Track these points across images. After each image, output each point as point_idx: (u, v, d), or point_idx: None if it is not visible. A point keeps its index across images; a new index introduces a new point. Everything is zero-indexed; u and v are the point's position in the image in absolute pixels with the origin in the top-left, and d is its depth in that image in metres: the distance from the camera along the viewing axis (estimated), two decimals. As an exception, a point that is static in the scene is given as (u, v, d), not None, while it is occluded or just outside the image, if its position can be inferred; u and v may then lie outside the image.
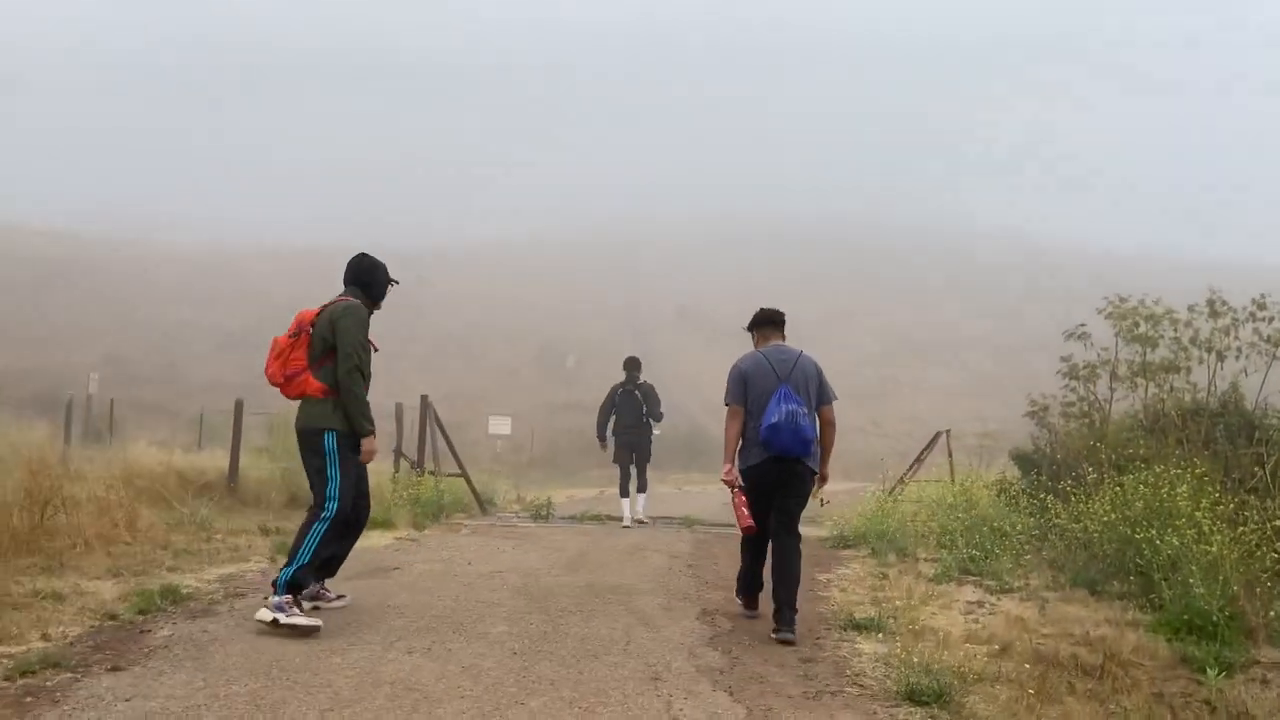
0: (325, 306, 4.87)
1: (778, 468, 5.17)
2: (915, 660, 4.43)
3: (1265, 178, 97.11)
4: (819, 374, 5.41)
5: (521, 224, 75.62)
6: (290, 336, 4.74)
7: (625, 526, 10.43)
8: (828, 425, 5.43)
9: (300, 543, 4.63)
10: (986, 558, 7.59)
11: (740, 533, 5.46)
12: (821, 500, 5.73)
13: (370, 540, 7.97)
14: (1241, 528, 5.67)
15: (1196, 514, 5.82)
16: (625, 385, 10.71)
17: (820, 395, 5.37)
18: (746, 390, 5.29)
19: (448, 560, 6.88)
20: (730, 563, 7.36)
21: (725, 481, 5.33)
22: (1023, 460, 11.49)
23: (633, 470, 10.90)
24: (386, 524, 8.89)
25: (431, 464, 13.12)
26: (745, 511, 5.33)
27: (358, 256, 5.17)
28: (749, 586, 5.59)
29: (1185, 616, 5.22)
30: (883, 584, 6.89)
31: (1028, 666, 4.39)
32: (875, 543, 8.87)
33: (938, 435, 12.38)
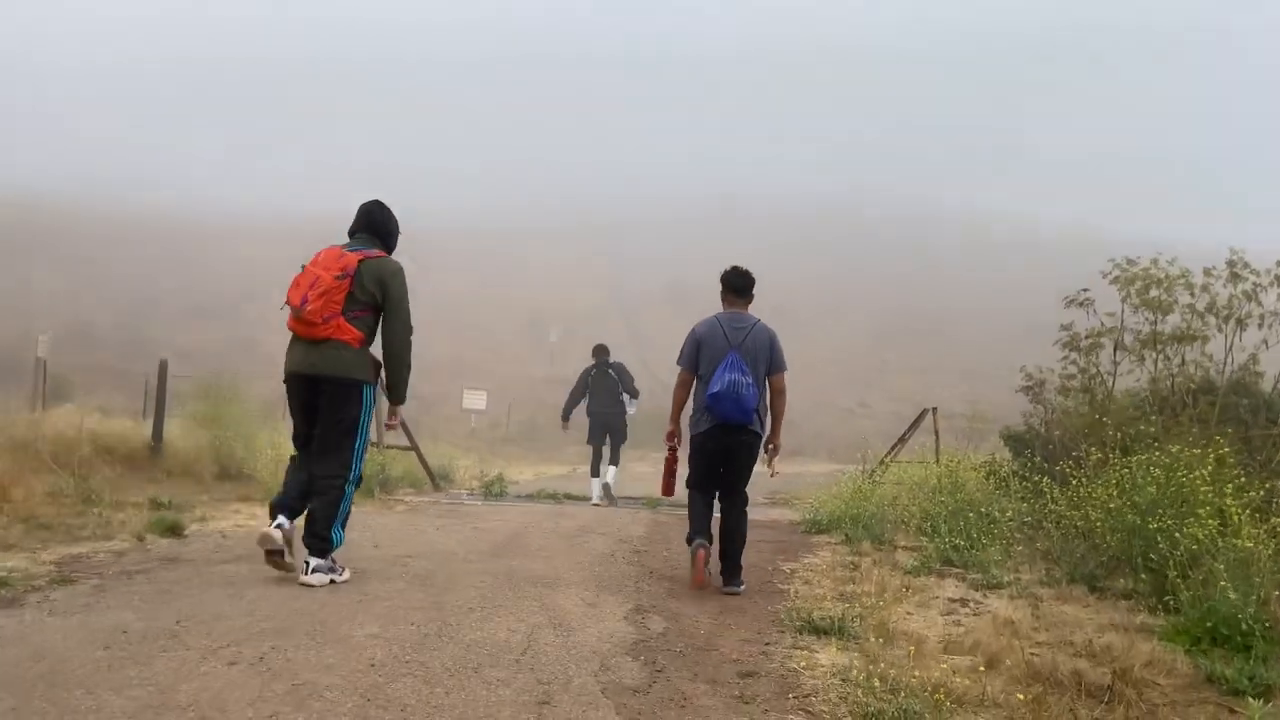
0: (361, 255, 4.67)
1: (723, 435, 5.29)
2: (880, 677, 3.55)
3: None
4: (771, 343, 5.43)
5: (510, 201, 74.40)
6: (337, 278, 4.53)
7: (594, 504, 10.23)
8: (778, 394, 5.46)
9: (333, 511, 4.57)
10: (972, 547, 6.73)
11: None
12: (772, 471, 5.67)
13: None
14: (1276, 519, 4.79)
15: (1222, 502, 4.94)
16: (598, 366, 10.56)
17: (772, 364, 5.40)
18: (699, 355, 5.40)
19: (351, 544, 5.97)
20: (684, 547, 6.55)
21: (666, 442, 5.64)
22: (1014, 440, 10.63)
23: (605, 450, 10.77)
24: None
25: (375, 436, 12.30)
26: (671, 479, 5.87)
27: (375, 204, 4.98)
28: (700, 530, 5.49)
29: (1208, 623, 4.35)
30: (853, 576, 6.02)
31: (1019, 694, 3.50)
32: (850, 528, 7.99)
33: (923, 413, 11.53)
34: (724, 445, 5.35)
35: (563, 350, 41.07)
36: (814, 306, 52.29)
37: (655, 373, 43.23)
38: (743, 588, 5.34)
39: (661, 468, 6.01)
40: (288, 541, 4.54)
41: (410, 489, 11.85)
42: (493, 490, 10.78)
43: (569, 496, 11.40)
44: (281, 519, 4.52)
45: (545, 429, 32.90)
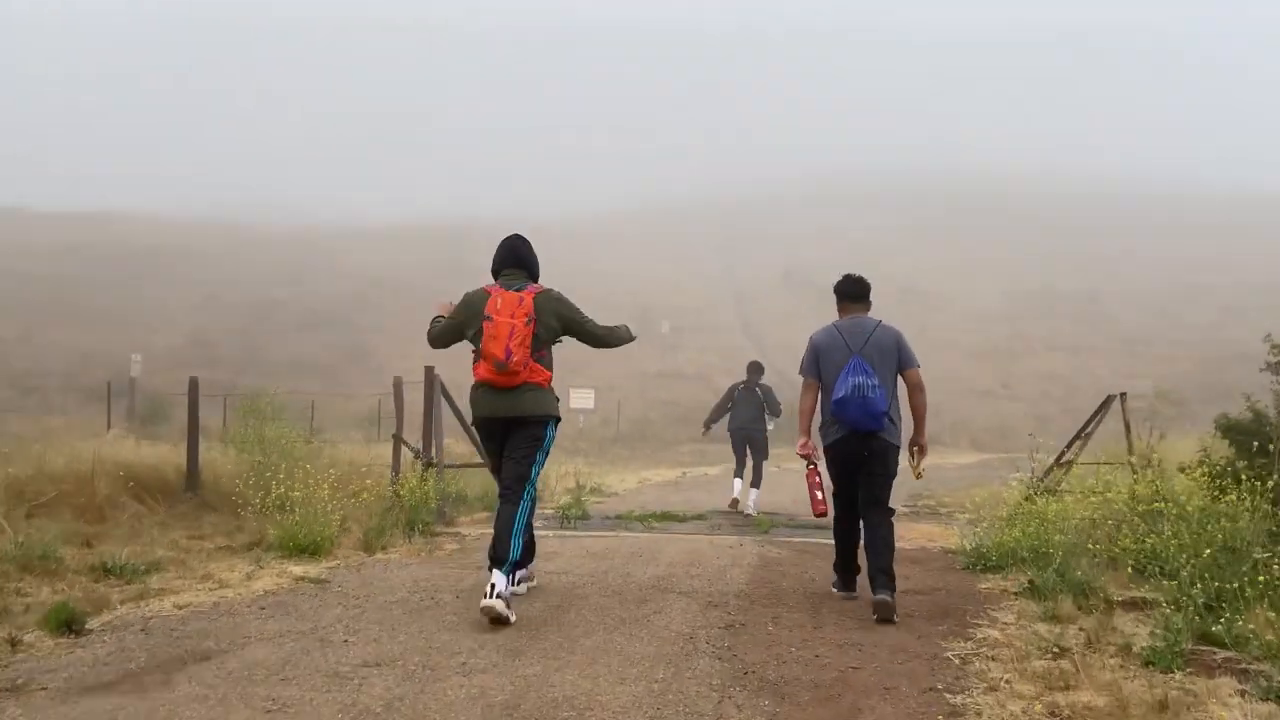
0: (530, 293, 4.81)
1: (855, 444, 5.15)
2: None
3: None
4: (898, 342, 5.26)
5: (614, 192, 73.09)
6: (525, 323, 4.68)
7: (734, 499, 10.62)
8: (915, 389, 5.26)
9: (513, 525, 4.67)
10: (1231, 603, 4.49)
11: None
12: (918, 473, 5.39)
13: (262, 581, 5.40)
14: None
15: None
16: (746, 384, 10.73)
17: (902, 361, 5.22)
18: (819, 363, 5.29)
19: (307, 634, 4.21)
20: (808, 605, 4.57)
21: (800, 455, 5.41)
22: (1236, 431, 8.10)
23: (748, 464, 10.73)
24: (323, 545, 6.33)
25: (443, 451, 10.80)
26: (819, 495, 5.49)
27: (517, 239, 5.12)
28: (845, 570, 5.49)
29: None
30: (1062, 671, 3.88)
31: None
32: (1034, 570, 5.79)
33: (1109, 400, 9.04)
34: (855, 453, 5.18)
35: (675, 343, 39.24)
36: (944, 285, 48.74)
37: (773, 362, 40.92)
38: (892, 598, 4.95)
39: (805, 483, 5.66)
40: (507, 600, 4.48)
41: (486, 512, 10.23)
42: (570, 515, 8.98)
43: (667, 517, 9.49)
44: (496, 582, 4.47)
45: (656, 425, 31.14)
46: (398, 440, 9.76)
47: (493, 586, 4.43)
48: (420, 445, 9.70)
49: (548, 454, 4.96)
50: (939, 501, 12.95)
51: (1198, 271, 47.97)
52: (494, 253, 5.10)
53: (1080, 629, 4.61)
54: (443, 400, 9.80)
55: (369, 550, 6.67)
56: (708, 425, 11.10)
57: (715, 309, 46.20)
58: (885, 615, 4.80)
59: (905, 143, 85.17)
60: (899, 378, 5.25)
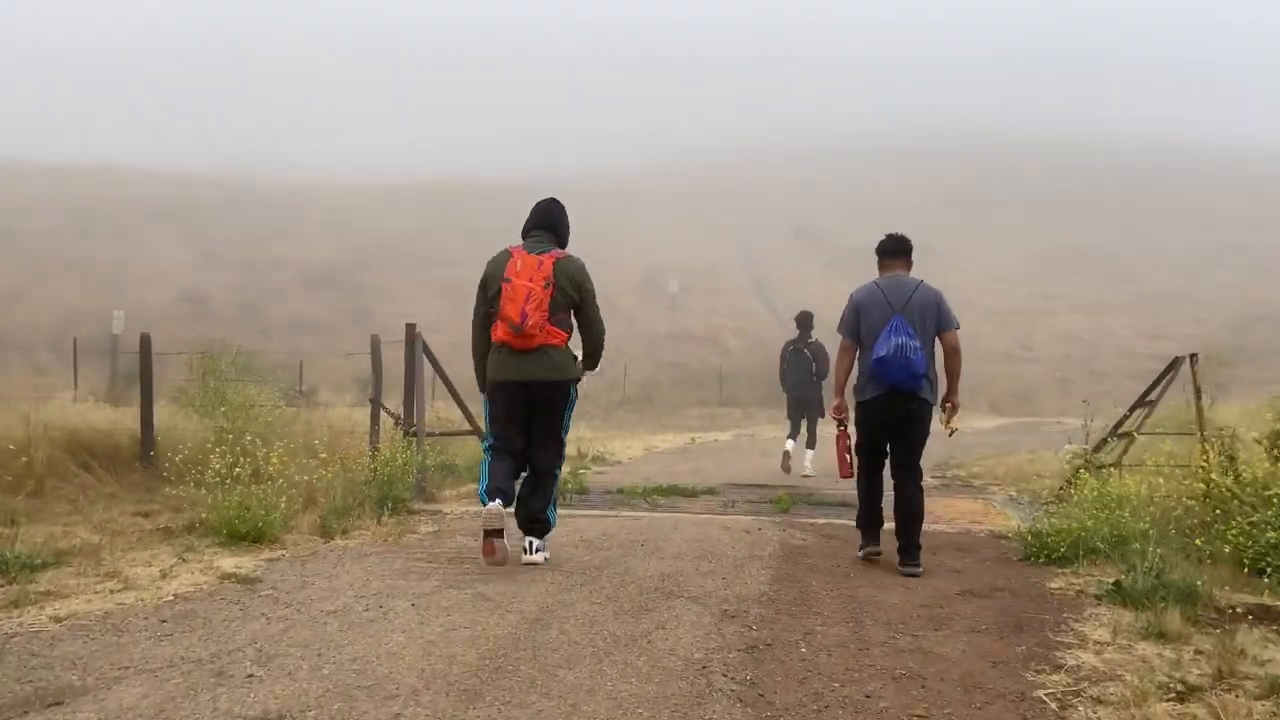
0: (552, 257, 4.83)
1: (892, 403, 5.11)
2: None
3: None
4: (938, 303, 5.21)
5: (622, 151, 71.54)
6: (544, 287, 4.72)
7: (785, 464, 10.61)
8: (952, 352, 5.27)
9: (550, 496, 5.00)
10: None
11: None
12: (951, 430, 5.36)
13: (178, 581, 4.44)
14: None
15: None
16: (795, 343, 10.85)
17: (940, 323, 5.19)
18: (859, 322, 5.24)
19: (204, 664, 3.26)
20: (847, 613, 3.67)
21: (833, 416, 5.42)
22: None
23: (803, 424, 10.83)
24: (265, 530, 5.37)
25: (429, 416, 9.93)
26: (847, 458, 5.47)
27: (551, 202, 5.15)
28: (870, 525, 5.35)
29: None
30: (1187, 712, 2.90)
31: None
32: (1118, 565, 4.80)
33: (1176, 362, 7.94)
34: (894, 414, 5.17)
35: (683, 304, 38.15)
36: (961, 245, 47.37)
37: (786, 323, 39.78)
38: (921, 570, 5.01)
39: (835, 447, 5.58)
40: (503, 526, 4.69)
41: (475, 485, 9.29)
42: (567, 491, 8.01)
43: (674, 492, 8.53)
44: (497, 503, 4.70)
45: (664, 389, 30.18)
46: (375, 405, 8.80)
47: (531, 544, 4.91)
48: (402, 411, 8.74)
49: (572, 416, 5.10)
50: (969, 472, 11.98)
51: (1225, 230, 46.47)
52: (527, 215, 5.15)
53: (1198, 652, 3.62)
54: (426, 361, 8.83)
55: (327, 535, 5.72)
56: (783, 385, 11.14)
57: (725, 268, 45.00)
58: (912, 575, 4.98)
59: (921, 103, 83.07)
60: (936, 338, 5.22)
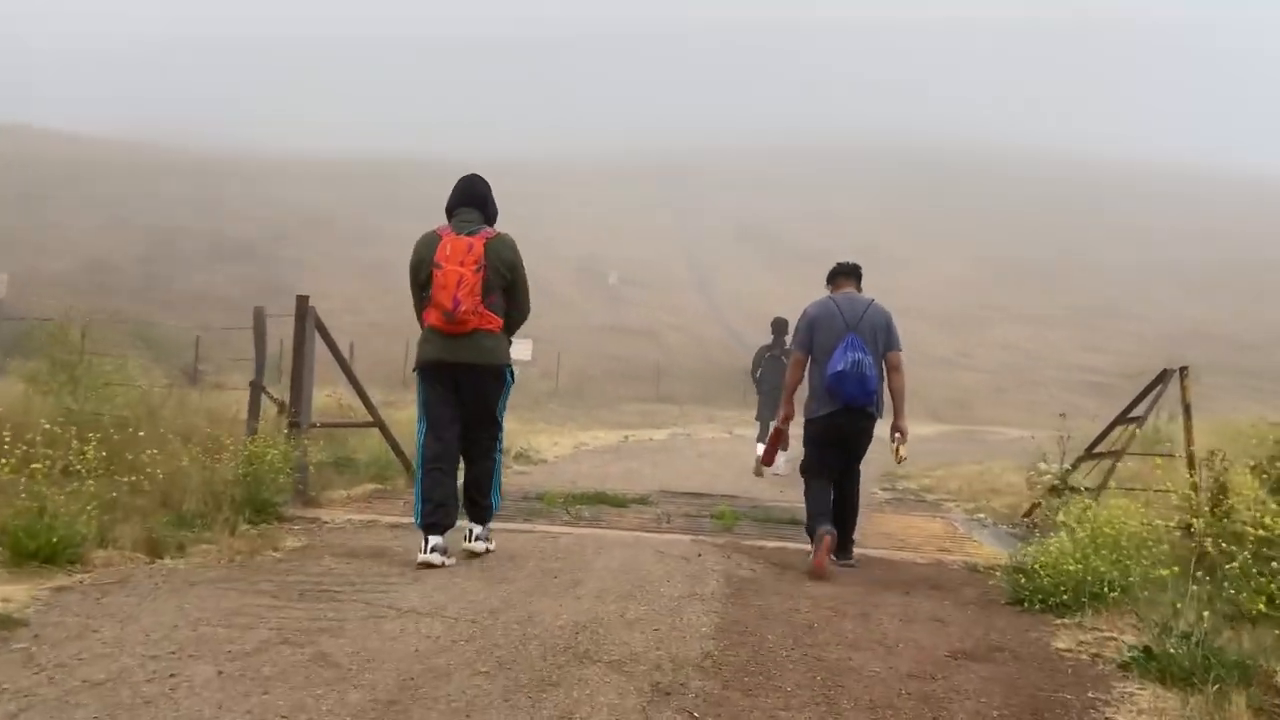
0: (482, 237, 4.67)
1: (847, 419, 5.23)
2: None
3: None
4: (888, 323, 5.35)
5: (562, 139, 70.17)
6: (475, 271, 4.57)
7: (758, 467, 10.56)
8: (895, 371, 5.34)
9: (490, 479, 4.90)
10: None
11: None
12: (899, 457, 5.37)
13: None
14: None
15: None
16: (772, 349, 11.16)
17: (889, 342, 5.32)
18: (813, 337, 5.31)
19: None
20: (815, 686, 2.61)
21: (779, 424, 5.73)
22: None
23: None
24: (61, 549, 4.14)
25: (328, 403, 8.79)
26: (770, 455, 6.23)
27: (475, 178, 4.95)
28: (817, 536, 5.12)
29: None
30: None
31: None
32: (1143, 626, 3.88)
33: (1165, 375, 7.13)
34: (845, 431, 5.28)
35: (622, 296, 37.10)
36: (905, 249, 47.23)
37: (727, 319, 39.00)
38: (855, 563, 5.35)
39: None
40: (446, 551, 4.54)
41: (374, 485, 8.17)
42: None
43: (600, 500, 7.48)
44: (435, 541, 4.55)
45: (599, 381, 29.11)
46: (256, 389, 7.53)
47: (471, 531, 4.79)
48: (289, 396, 7.50)
49: (507, 403, 4.98)
50: (921, 485, 11.16)
51: (1164, 247, 47.15)
52: (450, 193, 4.91)
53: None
54: (317, 338, 7.62)
55: (155, 552, 4.51)
56: (752, 376, 11.72)
57: (666, 263, 44.08)
58: (847, 566, 5.33)
59: (867, 109, 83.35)
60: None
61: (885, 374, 5.35)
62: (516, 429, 16.87)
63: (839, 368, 5.10)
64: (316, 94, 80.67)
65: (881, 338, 5.29)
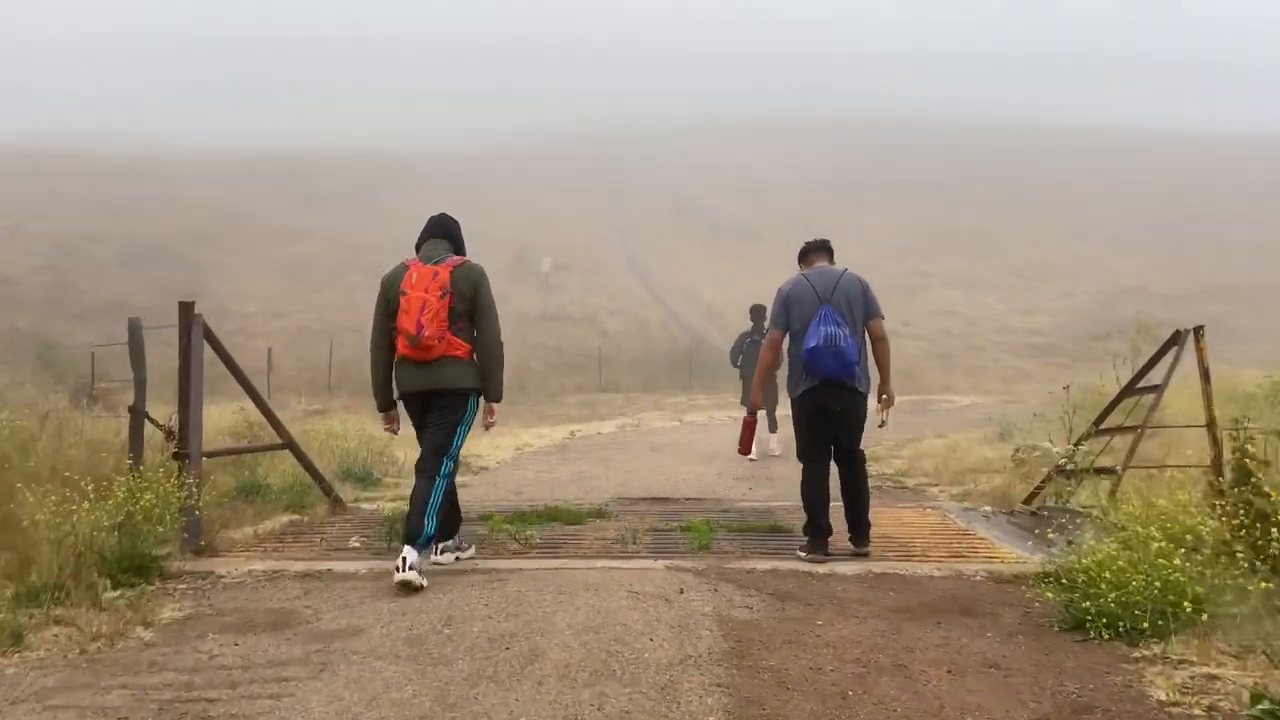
0: (449, 265, 4.73)
1: (827, 394, 5.04)
2: None
3: None
4: (864, 290, 5.17)
5: (491, 123, 68.47)
6: (440, 297, 4.63)
7: (752, 460, 10.30)
8: (879, 340, 5.17)
9: (428, 500, 4.62)
10: None
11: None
12: (883, 420, 5.22)
13: None
14: None
15: None
16: (753, 335, 11.32)
17: (868, 311, 5.14)
18: (788, 314, 5.17)
19: None
20: None
21: (752, 404, 5.67)
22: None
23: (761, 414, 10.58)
24: None
25: (236, 421, 7.79)
26: (748, 437, 5.62)
27: (444, 215, 5.09)
28: (817, 531, 5.08)
29: None
30: None
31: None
32: (1253, 662, 3.06)
33: (1178, 336, 6.34)
34: (828, 407, 5.07)
35: (557, 283, 35.94)
36: (836, 220, 46.88)
37: (666, 302, 38.10)
38: (869, 549, 5.12)
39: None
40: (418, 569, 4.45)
41: (290, 516, 7.10)
42: (399, 531, 5.80)
43: (553, 518, 6.51)
44: (408, 555, 4.45)
45: (539, 375, 28.03)
46: (137, 416, 6.38)
47: (404, 560, 4.44)
48: (177, 422, 6.37)
49: (470, 426, 4.89)
50: (895, 469, 10.40)
51: (1082, 206, 47.58)
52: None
53: None
54: (205, 350, 6.50)
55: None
56: (734, 363, 11.73)
57: (600, 246, 42.99)
58: (864, 555, 5.02)
59: (792, 83, 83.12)
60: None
61: (870, 344, 5.18)
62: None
63: (812, 343, 4.93)
64: (228, 91, 77.40)
65: (858, 307, 5.09)
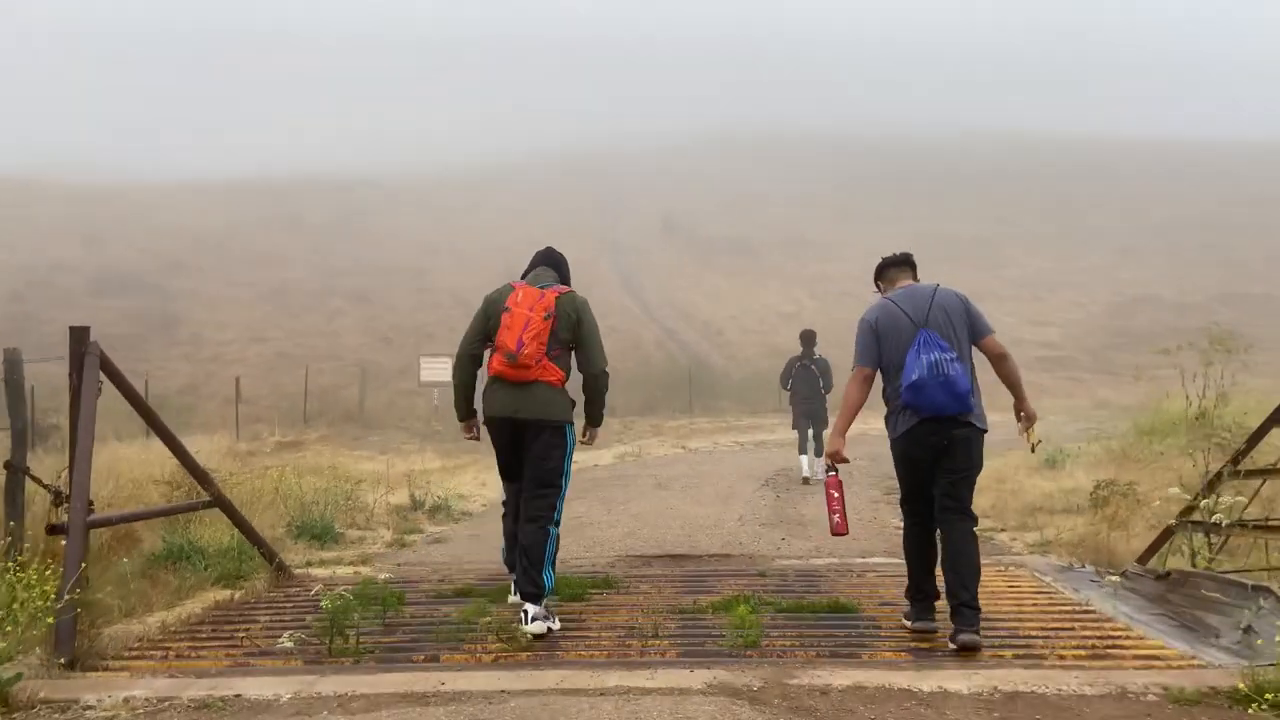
0: (556, 291, 4.64)
1: (932, 433, 4.19)
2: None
3: None
4: (965, 305, 4.36)
5: (478, 144, 67.36)
6: (544, 318, 4.54)
7: (804, 478, 10.97)
8: (1000, 359, 4.34)
9: (544, 552, 4.50)
10: None
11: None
12: (1033, 444, 4.46)
13: None
14: None
15: None
16: (802, 359, 11.17)
17: (975, 328, 4.33)
18: (879, 345, 4.35)
19: None
20: None
21: (829, 457, 4.44)
22: None
23: (810, 434, 11.15)
24: None
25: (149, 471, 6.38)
26: (840, 509, 4.51)
27: (553, 249, 5.05)
28: (920, 594, 4.36)
29: None
30: None
31: None
32: None
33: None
34: (936, 445, 4.21)
35: (548, 302, 34.65)
36: (835, 235, 45.76)
37: (661, 320, 36.79)
38: (979, 638, 3.98)
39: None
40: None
41: (220, 593, 5.74)
42: (346, 632, 4.35)
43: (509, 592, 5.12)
44: (529, 609, 4.36)
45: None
46: (14, 474, 4.98)
47: (526, 613, 4.37)
48: (67, 479, 4.98)
49: (572, 459, 4.74)
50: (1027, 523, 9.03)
51: (1085, 216, 46.59)
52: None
53: None
54: (103, 388, 5.13)
55: None
56: (783, 385, 11.66)
57: (591, 263, 41.67)
58: (970, 647, 3.95)
59: (784, 95, 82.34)
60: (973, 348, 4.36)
61: (992, 365, 4.38)
62: (437, 466, 14.36)
63: (914, 376, 4.14)
64: (204, 114, 76.15)
65: (961, 325, 4.28)
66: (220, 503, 5.88)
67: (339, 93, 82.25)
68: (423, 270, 38.01)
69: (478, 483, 11.93)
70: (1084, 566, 5.72)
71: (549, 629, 4.38)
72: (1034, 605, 4.79)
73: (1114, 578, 4.49)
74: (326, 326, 31.77)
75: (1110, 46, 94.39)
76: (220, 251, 39.02)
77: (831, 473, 4.50)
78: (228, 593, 5.75)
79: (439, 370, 21.75)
